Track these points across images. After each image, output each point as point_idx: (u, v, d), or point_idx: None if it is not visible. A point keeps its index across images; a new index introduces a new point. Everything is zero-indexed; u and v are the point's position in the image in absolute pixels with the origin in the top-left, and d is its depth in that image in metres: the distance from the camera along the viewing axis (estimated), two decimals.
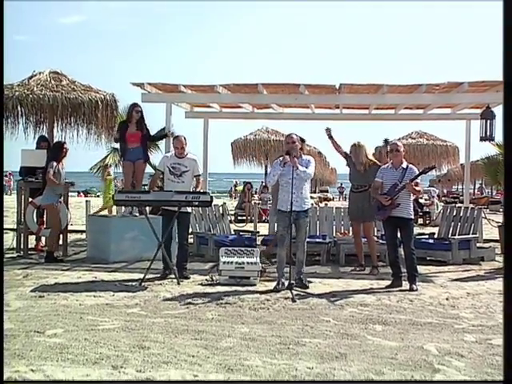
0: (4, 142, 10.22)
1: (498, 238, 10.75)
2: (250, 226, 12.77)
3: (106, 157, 13.56)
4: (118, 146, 10.57)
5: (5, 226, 12.11)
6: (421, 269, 7.78)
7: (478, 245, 9.69)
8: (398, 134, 20.47)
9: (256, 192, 22.19)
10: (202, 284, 7.19)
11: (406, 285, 7.04)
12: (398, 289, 6.98)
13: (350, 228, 9.91)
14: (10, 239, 10.21)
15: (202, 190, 8.01)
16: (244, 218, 17.46)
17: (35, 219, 9.66)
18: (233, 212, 17.30)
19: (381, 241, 8.75)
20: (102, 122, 10.39)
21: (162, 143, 13.32)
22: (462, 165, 20.74)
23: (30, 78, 10.38)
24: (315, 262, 8.98)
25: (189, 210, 7.85)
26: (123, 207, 9.72)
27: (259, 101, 10.80)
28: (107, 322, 5.27)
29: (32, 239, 9.92)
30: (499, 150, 10.60)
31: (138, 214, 9.30)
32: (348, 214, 9.20)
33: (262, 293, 6.63)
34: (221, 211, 10.44)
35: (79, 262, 8.83)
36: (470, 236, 9.50)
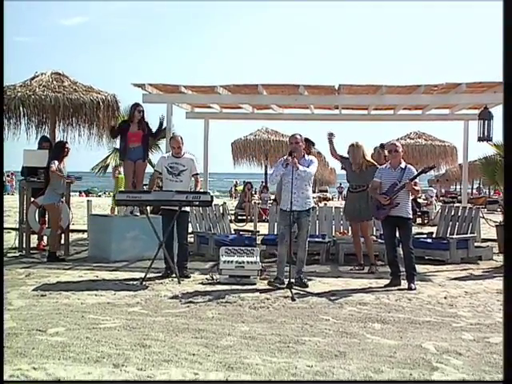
0: (6, 142, 10.31)
1: (495, 238, 10.77)
2: (250, 226, 12.76)
3: (107, 157, 13.59)
4: (118, 146, 10.59)
5: (7, 226, 12.18)
6: (419, 268, 7.82)
7: (475, 244, 9.73)
8: (397, 135, 20.50)
9: (256, 192, 22.21)
10: (202, 283, 7.22)
11: (404, 284, 7.06)
12: (396, 288, 7.00)
13: (349, 228, 10.00)
14: (12, 238, 10.24)
15: (202, 190, 8.06)
16: (244, 217, 17.48)
17: (37, 219, 9.71)
18: (233, 212, 17.32)
19: (380, 240, 8.82)
20: (104, 123, 10.42)
21: (162, 143, 13.35)
22: (460, 165, 20.75)
23: (32, 78, 10.42)
24: (315, 261, 8.99)
25: (187, 209, 7.87)
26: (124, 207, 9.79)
27: (259, 101, 10.81)
28: (108, 320, 5.29)
29: (34, 238, 9.93)
30: (497, 150, 10.64)
31: (138, 214, 9.35)
32: (344, 214, 9.26)
33: (261, 292, 6.65)
34: (221, 211, 10.48)
35: (81, 261, 8.86)
36: (468, 235, 9.54)
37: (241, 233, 10.37)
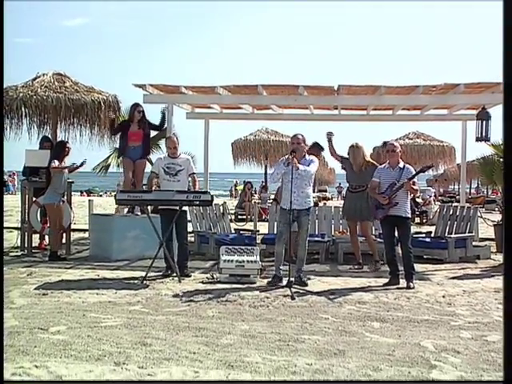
0: (8, 142, 10.35)
1: (493, 237, 10.83)
2: (250, 225, 12.78)
3: (108, 157, 13.64)
4: (118, 145, 10.62)
5: (10, 225, 12.22)
6: (418, 267, 7.85)
7: (473, 243, 9.77)
8: (396, 135, 20.48)
9: (256, 192, 22.25)
10: (202, 282, 7.23)
11: (403, 283, 7.07)
12: (395, 287, 7.00)
13: (348, 227, 10.05)
14: (14, 238, 10.28)
15: (203, 190, 8.11)
16: (244, 217, 17.54)
17: (39, 218, 9.76)
18: (233, 211, 17.35)
19: (378, 239, 8.85)
20: (105, 123, 10.43)
21: (163, 143, 13.36)
22: (458, 165, 20.74)
23: (34, 79, 10.45)
24: (314, 260, 9.02)
25: (185, 208, 7.88)
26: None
27: (259, 102, 10.82)
28: (110, 319, 5.31)
29: (36, 238, 9.99)
30: (495, 150, 10.67)
31: (139, 213, 9.40)
32: (342, 213, 9.29)
33: (261, 290, 6.66)
34: (221, 210, 10.52)
35: (82, 261, 8.89)
36: (466, 235, 9.58)
37: (241, 232, 10.41)
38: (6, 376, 3.73)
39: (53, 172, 8.98)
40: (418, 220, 16.81)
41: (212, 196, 7.62)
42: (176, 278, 7.29)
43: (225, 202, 11.16)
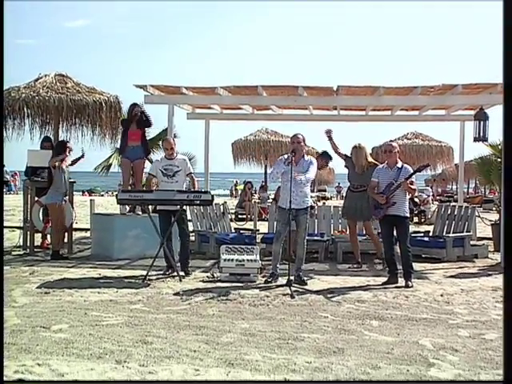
0: (10, 142, 10.41)
1: (491, 236, 10.87)
2: (250, 225, 12.84)
3: (109, 157, 13.68)
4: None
5: (12, 225, 12.30)
6: (416, 266, 7.88)
7: (471, 242, 9.82)
8: (394, 135, 20.51)
9: (256, 191, 22.29)
10: (203, 281, 7.27)
11: (401, 281, 7.11)
12: (393, 285, 7.05)
13: (347, 226, 10.10)
14: (16, 237, 10.33)
15: (203, 190, 8.17)
16: (244, 216, 17.60)
17: (41, 218, 9.81)
18: (233, 211, 17.37)
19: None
20: (106, 123, 10.50)
21: None
22: (456, 165, 20.83)
23: (36, 80, 10.49)
24: (313, 259, 9.06)
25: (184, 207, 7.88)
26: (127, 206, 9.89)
27: (259, 102, 10.83)
28: (111, 317, 5.35)
29: (38, 237, 10.04)
30: (492, 150, 10.72)
31: (140, 213, 9.45)
32: (342, 212, 9.33)
33: (261, 289, 6.72)
34: (222, 210, 10.57)
35: (84, 260, 8.94)
36: (464, 234, 9.63)
37: (241, 231, 10.44)
38: (9, 373, 3.78)
39: (53, 172, 9.05)
40: (416, 219, 16.82)
41: (212, 196, 7.66)
42: (177, 277, 7.33)
43: (225, 202, 11.21)
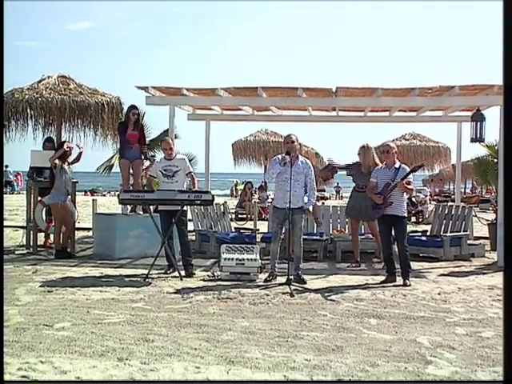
0: (13, 143, 10.48)
1: (487, 236, 10.93)
2: (250, 224, 12.88)
3: (111, 157, 13.79)
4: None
5: (16, 224, 12.38)
6: (414, 265, 7.92)
7: (468, 242, 9.88)
8: (392, 136, 20.59)
9: (256, 191, 22.35)
10: (203, 279, 7.31)
11: (399, 280, 7.16)
12: (392, 284, 7.10)
13: (346, 226, 10.19)
14: (20, 236, 10.41)
15: (204, 189, 8.23)
16: (244, 216, 17.62)
17: (44, 217, 9.89)
18: (233, 210, 17.40)
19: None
20: (108, 124, 10.56)
21: None
22: (453, 165, 20.86)
23: (39, 81, 10.56)
24: (312, 258, 9.10)
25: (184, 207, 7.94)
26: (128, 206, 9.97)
27: (259, 103, 10.84)
28: (113, 315, 5.38)
29: (41, 236, 10.09)
30: (489, 151, 10.81)
31: (141, 213, 9.53)
32: (346, 212, 9.37)
33: (261, 288, 6.76)
34: (222, 210, 10.63)
35: (86, 259, 9.00)
36: (461, 233, 9.67)
37: (241, 231, 10.43)
38: (12, 370, 3.84)
39: (54, 171, 9.14)
40: (414, 219, 16.88)
41: (213, 196, 7.73)
42: (178, 276, 7.38)
43: (225, 202, 11.26)
